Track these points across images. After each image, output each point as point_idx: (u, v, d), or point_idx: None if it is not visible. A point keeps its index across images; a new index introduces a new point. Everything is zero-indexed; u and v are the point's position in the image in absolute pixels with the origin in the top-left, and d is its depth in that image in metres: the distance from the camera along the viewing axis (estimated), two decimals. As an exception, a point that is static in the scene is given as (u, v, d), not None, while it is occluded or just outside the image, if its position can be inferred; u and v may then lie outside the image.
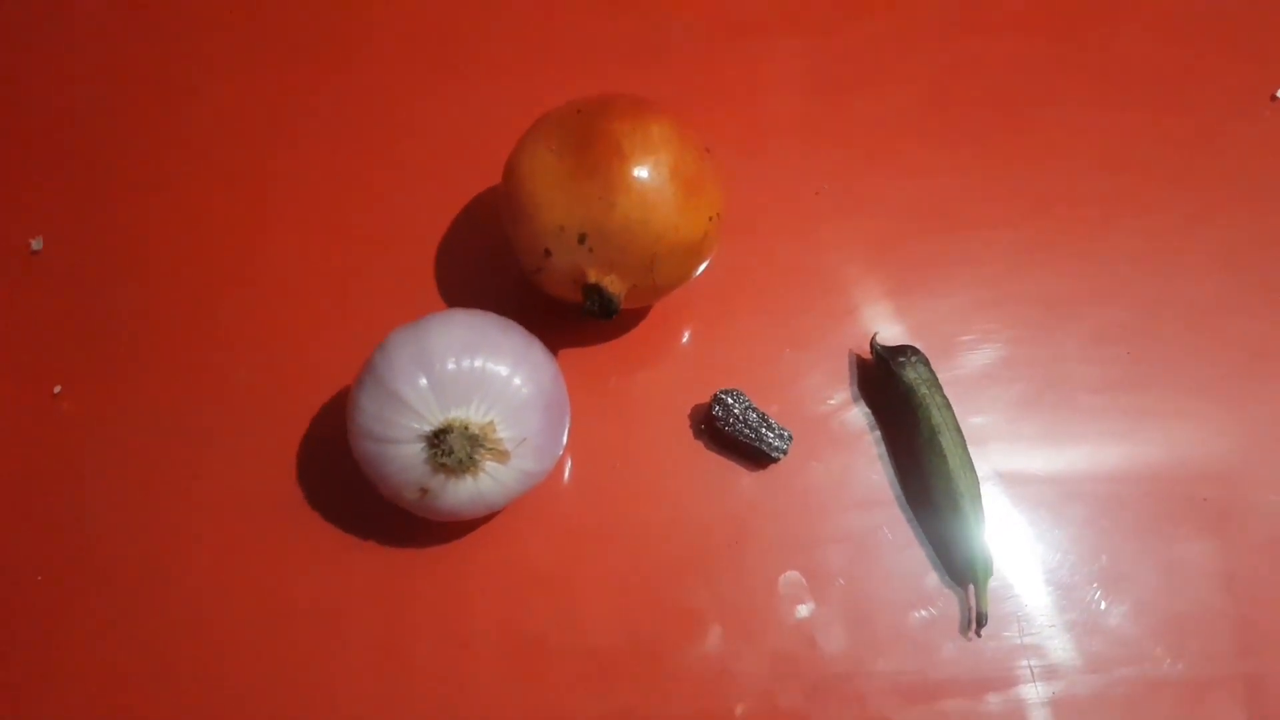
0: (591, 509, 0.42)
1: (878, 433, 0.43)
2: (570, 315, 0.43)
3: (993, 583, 0.40)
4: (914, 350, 0.42)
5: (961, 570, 0.40)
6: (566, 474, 0.43)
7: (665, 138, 0.38)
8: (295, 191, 0.47)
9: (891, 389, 0.42)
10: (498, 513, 0.41)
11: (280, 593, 0.40)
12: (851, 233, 0.47)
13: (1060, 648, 0.40)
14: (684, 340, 0.45)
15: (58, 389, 0.43)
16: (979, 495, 0.40)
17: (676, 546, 0.41)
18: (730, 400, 0.42)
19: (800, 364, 0.44)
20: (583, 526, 0.41)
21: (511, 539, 0.41)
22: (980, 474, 0.41)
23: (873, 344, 0.43)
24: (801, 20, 0.52)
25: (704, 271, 0.43)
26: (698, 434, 0.43)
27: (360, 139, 0.48)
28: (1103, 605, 0.41)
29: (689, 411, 0.43)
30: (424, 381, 0.35)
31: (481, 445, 0.35)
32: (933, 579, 0.41)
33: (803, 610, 0.40)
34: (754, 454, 0.42)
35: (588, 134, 0.37)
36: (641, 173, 0.37)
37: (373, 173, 0.48)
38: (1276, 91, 0.50)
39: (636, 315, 0.45)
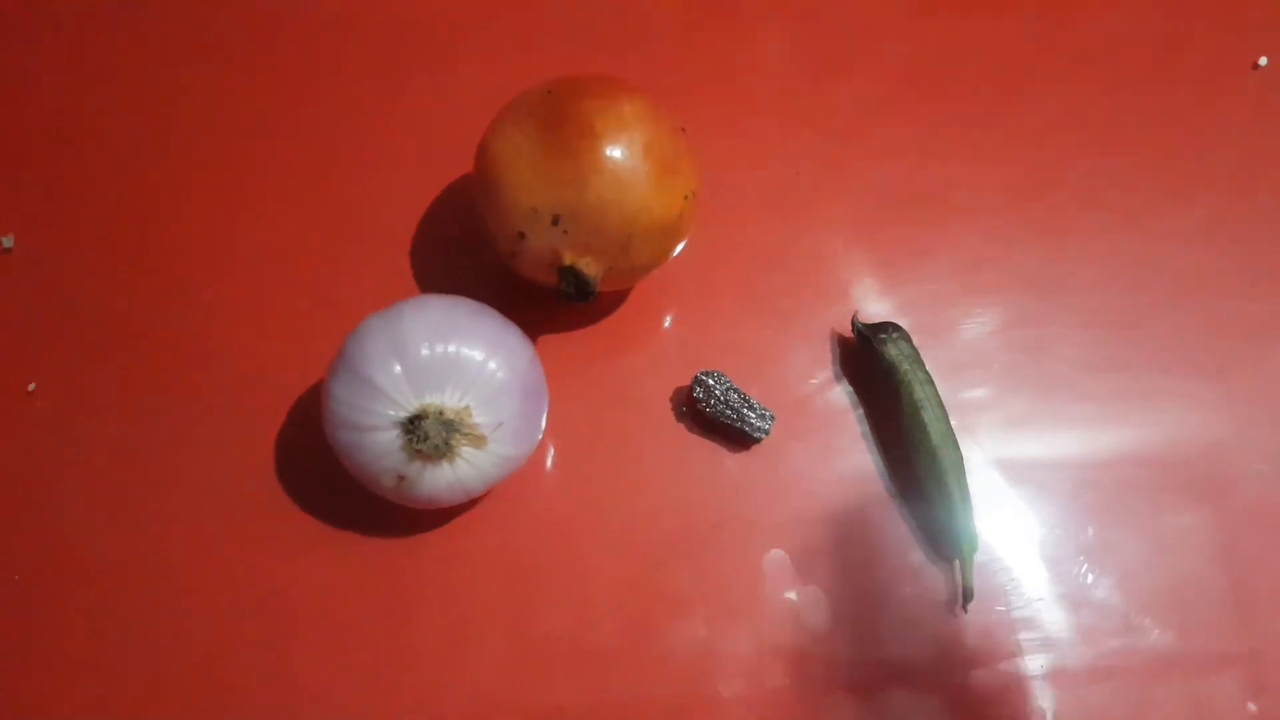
0: (574, 494, 0.42)
1: (861, 411, 0.43)
2: (549, 301, 0.42)
3: (979, 558, 0.40)
4: (895, 327, 0.42)
5: (947, 546, 0.40)
6: (549, 461, 0.42)
7: (638, 116, 0.37)
8: (268, 183, 0.47)
9: (873, 366, 0.42)
10: (479, 500, 0.41)
11: (259, 585, 0.39)
12: (831, 213, 0.47)
13: (1048, 621, 0.40)
14: (664, 323, 0.45)
15: (32, 386, 0.43)
16: (963, 470, 0.40)
17: (660, 529, 0.41)
18: (711, 382, 0.41)
19: (782, 344, 0.44)
20: (566, 512, 0.41)
21: (494, 526, 0.41)
22: (965, 450, 0.41)
23: (854, 322, 0.43)
24: (780, 2, 0.51)
25: (683, 253, 0.43)
26: (680, 417, 0.43)
27: (334, 128, 0.48)
28: (1090, 578, 0.40)
29: (671, 394, 0.43)
30: (397, 368, 0.35)
31: (457, 430, 0.35)
32: (918, 555, 0.40)
33: (787, 590, 0.40)
34: (736, 435, 0.42)
35: (559, 114, 0.37)
36: (614, 152, 0.36)
37: (347, 162, 0.47)
38: (1258, 60, 0.50)
39: (616, 299, 0.45)
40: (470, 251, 0.45)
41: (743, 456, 0.42)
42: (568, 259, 0.38)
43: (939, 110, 0.49)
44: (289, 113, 0.48)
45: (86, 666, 0.38)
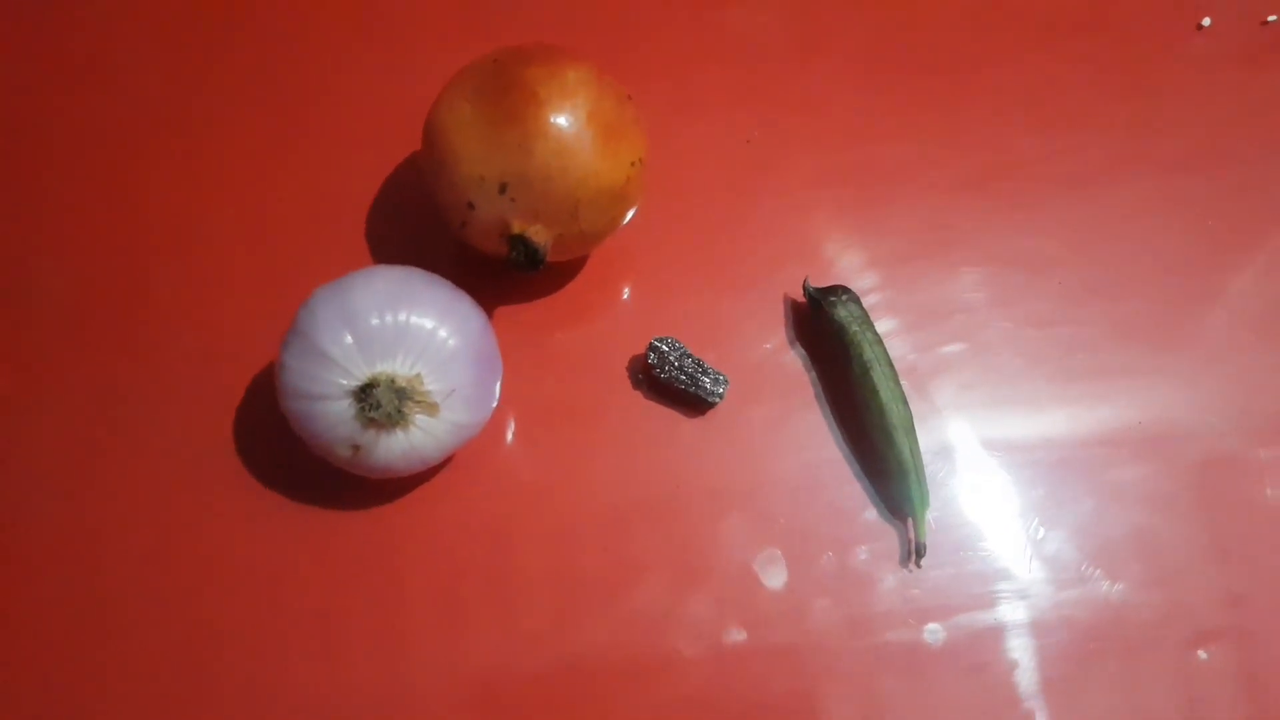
0: (533, 464, 0.42)
1: (814, 374, 0.43)
2: (504, 273, 0.43)
3: (931, 515, 0.41)
4: (845, 290, 0.42)
5: (900, 503, 0.41)
6: (509, 433, 0.43)
7: (582, 82, 0.37)
8: (222, 160, 0.47)
9: (824, 329, 0.43)
10: (439, 471, 0.41)
11: (219, 561, 0.40)
12: (784, 181, 0.47)
13: (1001, 574, 0.40)
14: (620, 292, 0.45)
15: (-11, 368, 0.43)
16: (913, 428, 0.41)
17: (620, 496, 0.41)
18: (665, 348, 0.42)
19: (736, 310, 0.44)
20: (525, 482, 0.42)
21: (455, 497, 0.41)
22: (916, 410, 0.42)
23: (805, 286, 0.43)
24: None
25: (637, 222, 0.43)
26: (636, 384, 0.43)
27: (287, 105, 0.48)
28: (1041, 532, 0.41)
29: (627, 363, 0.43)
30: (348, 337, 0.35)
31: (409, 398, 0.35)
32: (872, 514, 0.41)
33: (746, 551, 0.40)
34: (692, 400, 0.42)
35: (504, 82, 0.37)
36: (559, 118, 0.37)
37: (302, 139, 0.47)
38: (1202, 20, 0.51)
39: (570, 269, 0.45)
40: (424, 226, 0.45)
41: (699, 421, 0.42)
42: (516, 227, 0.38)
43: (892, 80, 0.49)
44: (242, 90, 0.48)
45: (47, 647, 0.39)
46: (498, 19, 0.50)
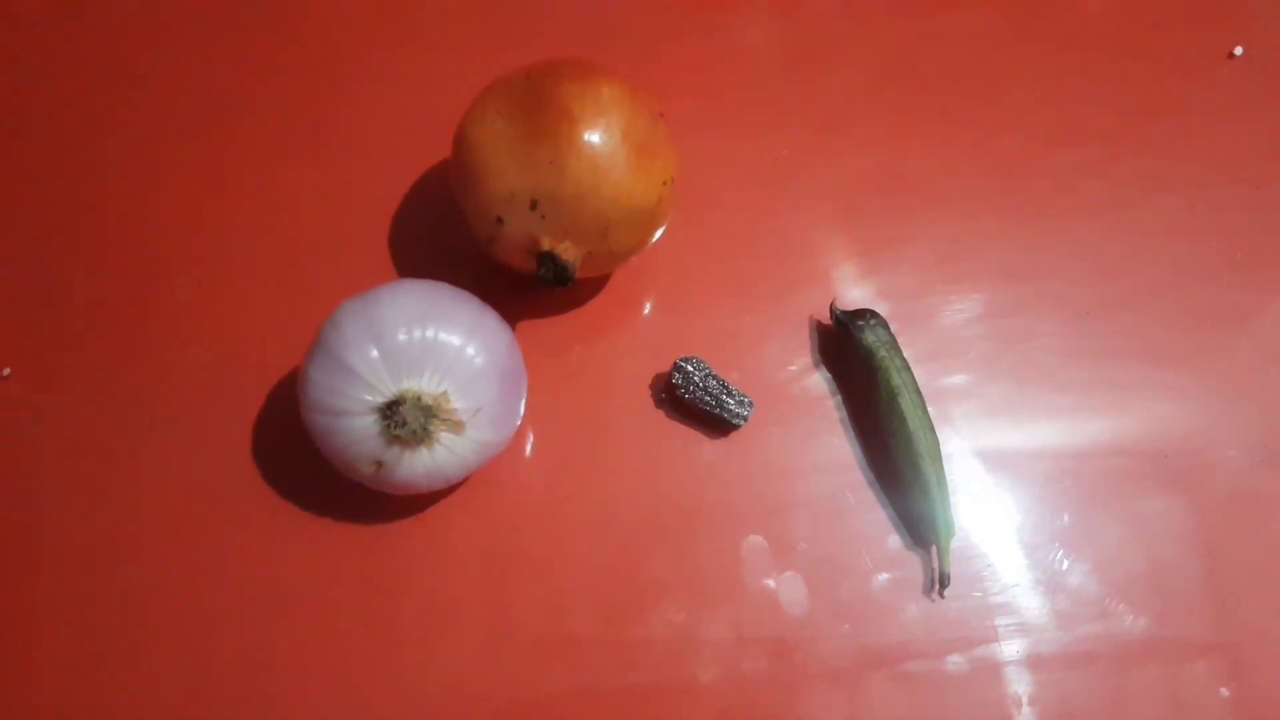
0: (553, 481, 0.41)
1: (839, 397, 0.43)
2: (528, 287, 0.42)
3: (955, 544, 0.40)
4: (873, 314, 0.42)
5: (924, 532, 0.40)
6: (528, 447, 0.42)
7: (616, 100, 0.37)
8: (247, 168, 0.46)
9: (851, 353, 0.42)
10: (457, 486, 0.41)
11: (235, 571, 0.39)
12: (811, 199, 0.47)
13: (1023, 607, 0.40)
14: (644, 310, 0.44)
15: (6, 371, 0.42)
16: (939, 456, 0.40)
17: (639, 516, 0.41)
18: (690, 368, 0.41)
19: (761, 331, 0.44)
20: (545, 499, 0.41)
21: (473, 512, 0.41)
22: (942, 437, 0.41)
23: (832, 309, 0.43)
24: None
25: (662, 239, 0.43)
26: (659, 403, 0.43)
27: (312, 112, 0.47)
28: (1065, 564, 0.41)
29: (650, 381, 0.43)
30: (375, 352, 0.35)
31: (435, 416, 0.35)
32: (895, 541, 0.41)
33: (765, 576, 0.40)
34: (715, 421, 0.42)
35: (537, 98, 0.37)
36: (592, 136, 0.36)
37: (326, 147, 0.47)
38: (1234, 49, 0.50)
39: (595, 285, 0.45)
40: (449, 237, 0.45)
41: (721, 443, 0.42)
42: (546, 244, 0.37)
43: (919, 99, 0.49)
44: (267, 97, 0.48)
45: (61, 653, 0.38)
46: (523, 28, 0.50)
